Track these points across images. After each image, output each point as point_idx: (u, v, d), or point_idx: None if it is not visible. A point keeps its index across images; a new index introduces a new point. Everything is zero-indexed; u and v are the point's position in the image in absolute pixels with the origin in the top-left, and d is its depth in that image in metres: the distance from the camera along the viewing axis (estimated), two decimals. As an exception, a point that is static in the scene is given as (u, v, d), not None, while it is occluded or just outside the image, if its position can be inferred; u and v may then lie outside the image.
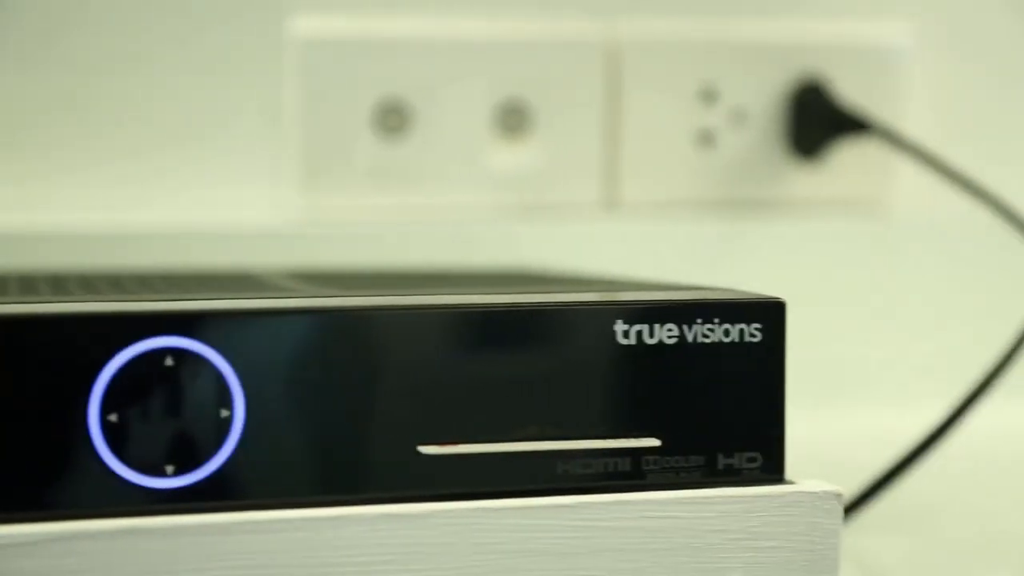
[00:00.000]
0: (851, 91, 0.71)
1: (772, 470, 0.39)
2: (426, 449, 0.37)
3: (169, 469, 0.35)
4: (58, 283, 0.48)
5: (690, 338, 0.38)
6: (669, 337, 0.38)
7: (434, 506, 0.36)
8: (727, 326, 0.38)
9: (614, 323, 0.38)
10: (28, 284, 0.48)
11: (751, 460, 0.38)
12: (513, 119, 0.69)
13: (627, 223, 0.70)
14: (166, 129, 0.68)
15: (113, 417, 0.35)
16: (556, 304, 0.38)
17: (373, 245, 0.67)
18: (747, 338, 0.38)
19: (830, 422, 0.68)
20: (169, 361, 0.35)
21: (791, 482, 0.39)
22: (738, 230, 0.71)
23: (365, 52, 0.67)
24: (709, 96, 0.71)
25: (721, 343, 0.38)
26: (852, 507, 0.51)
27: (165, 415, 0.35)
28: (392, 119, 0.68)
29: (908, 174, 0.72)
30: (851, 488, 0.51)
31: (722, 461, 0.38)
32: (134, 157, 0.68)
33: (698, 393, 0.38)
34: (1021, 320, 0.55)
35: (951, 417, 0.52)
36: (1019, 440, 0.68)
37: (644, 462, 0.38)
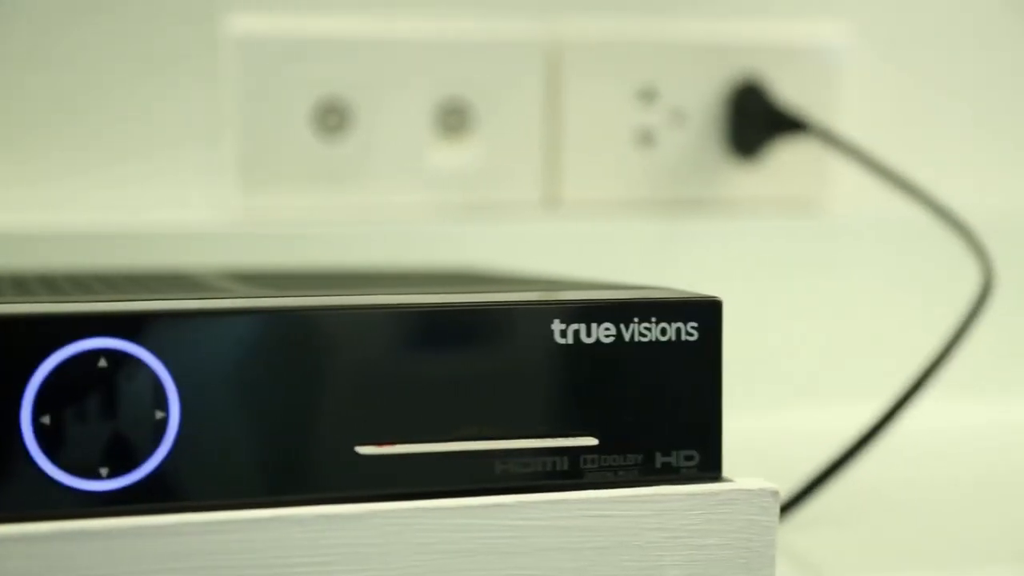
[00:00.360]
0: (788, 91, 0.72)
1: (709, 468, 0.39)
2: (364, 449, 0.36)
3: (103, 471, 0.35)
4: (-9, 284, 0.48)
5: (627, 337, 0.38)
6: (606, 336, 0.38)
7: (372, 506, 0.36)
8: (664, 325, 0.38)
9: (551, 322, 0.38)
10: (-40, 285, 0.47)
11: (688, 458, 0.38)
12: (453, 119, 0.69)
13: (567, 222, 0.70)
14: (101, 129, 0.68)
15: (46, 419, 0.34)
16: (493, 304, 0.38)
17: (312, 245, 0.67)
18: (684, 337, 0.38)
19: (768, 420, 0.68)
20: (102, 363, 0.35)
21: (728, 480, 0.39)
22: (677, 229, 0.71)
23: (303, 51, 0.67)
24: (648, 96, 0.71)
25: (658, 342, 0.38)
26: (790, 504, 0.52)
27: (99, 417, 0.35)
28: (331, 118, 0.68)
29: (845, 173, 0.73)
30: (788, 486, 0.52)
31: (660, 459, 0.38)
32: (68, 157, 0.68)
33: (635, 392, 0.38)
34: (956, 318, 0.56)
35: (887, 415, 0.52)
36: (954, 436, 0.69)
37: (582, 461, 0.38)
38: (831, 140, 0.69)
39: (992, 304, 0.56)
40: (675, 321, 0.38)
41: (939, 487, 0.61)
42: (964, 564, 0.51)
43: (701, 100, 0.71)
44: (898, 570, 0.50)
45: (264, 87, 0.67)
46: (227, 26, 0.67)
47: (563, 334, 0.38)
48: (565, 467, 0.38)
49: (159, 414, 0.35)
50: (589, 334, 0.38)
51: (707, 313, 0.39)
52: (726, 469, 0.39)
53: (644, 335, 0.38)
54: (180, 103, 0.68)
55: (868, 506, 0.56)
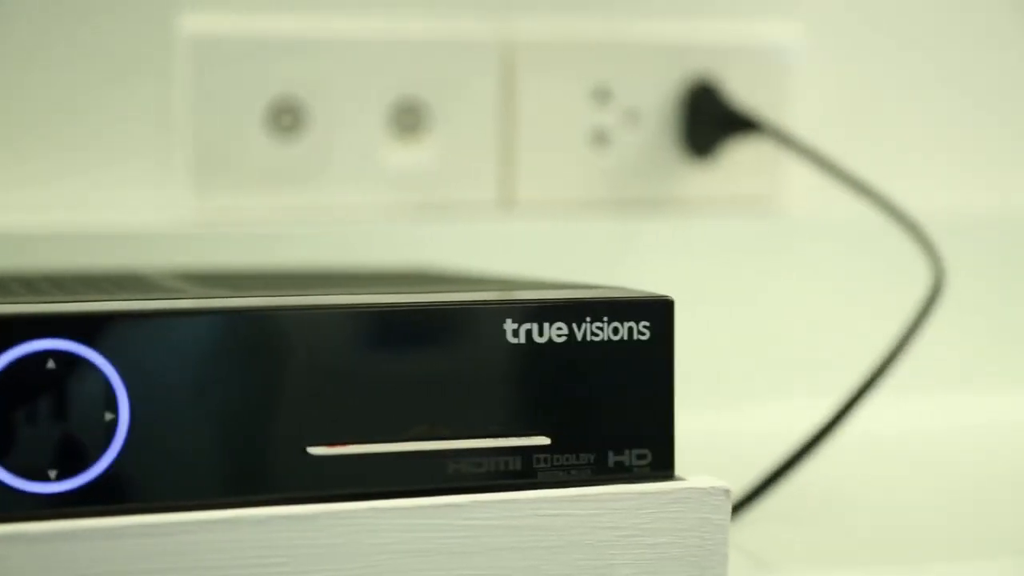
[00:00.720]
0: (742, 91, 0.72)
1: (662, 467, 0.39)
2: (316, 450, 0.36)
3: (52, 474, 0.35)
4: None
5: (579, 336, 0.38)
6: (558, 336, 0.38)
7: (326, 507, 0.36)
8: (616, 324, 0.38)
9: (504, 322, 0.38)
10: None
11: (641, 457, 0.39)
12: (408, 118, 0.69)
13: (522, 222, 0.70)
14: (53, 129, 0.67)
15: (-6, 421, 0.34)
16: (446, 303, 0.38)
17: (266, 246, 0.66)
18: (636, 336, 0.38)
19: (721, 419, 0.69)
20: (51, 364, 0.34)
21: (681, 479, 0.39)
22: (632, 229, 0.71)
23: (257, 50, 0.67)
24: (603, 96, 0.71)
25: (610, 341, 0.38)
26: (744, 502, 0.52)
27: (48, 419, 0.34)
28: (285, 118, 0.67)
29: (799, 173, 0.73)
30: (742, 484, 0.52)
31: (612, 459, 0.38)
32: (19, 157, 0.67)
33: (588, 391, 0.38)
34: (908, 317, 0.56)
35: (839, 413, 0.53)
36: (907, 434, 0.69)
37: (535, 460, 0.38)
38: (785, 140, 0.70)
39: (943, 302, 0.56)
40: (627, 320, 0.38)
41: (892, 485, 0.61)
42: (915, 560, 0.51)
43: (655, 100, 0.71)
44: (849, 567, 0.50)
45: (217, 87, 0.66)
46: (180, 25, 0.66)
47: (515, 334, 0.38)
48: (518, 467, 0.38)
49: (109, 415, 0.35)
50: (541, 334, 0.38)
51: (659, 312, 0.39)
52: (679, 468, 0.39)
53: (596, 335, 0.38)
54: (133, 103, 0.67)
55: (821, 504, 0.56)
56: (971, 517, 0.56)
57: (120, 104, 0.67)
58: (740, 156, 0.73)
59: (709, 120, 0.71)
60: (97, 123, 0.67)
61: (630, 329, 0.38)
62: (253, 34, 0.67)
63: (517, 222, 0.70)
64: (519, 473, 0.38)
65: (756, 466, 0.53)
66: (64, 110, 0.67)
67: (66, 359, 0.34)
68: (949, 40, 0.78)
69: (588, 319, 0.38)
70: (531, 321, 0.38)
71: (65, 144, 0.67)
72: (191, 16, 0.66)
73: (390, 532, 0.36)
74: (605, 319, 0.38)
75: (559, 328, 0.38)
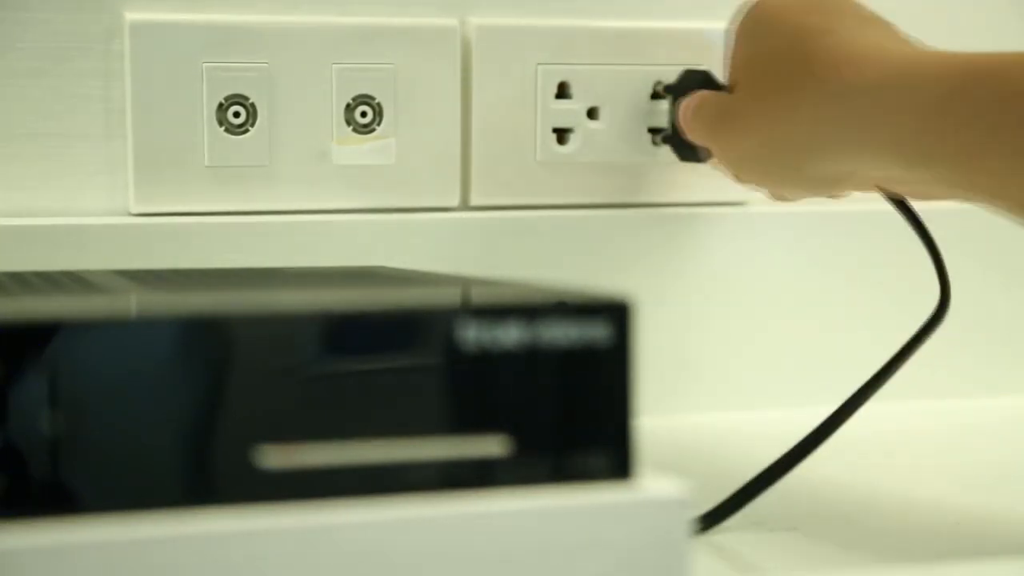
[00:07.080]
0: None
1: (622, 472, 0.38)
2: (266, 459, 0.35)
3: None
4: None
5: (537, 338, 0.37)
6: (517, 337, 0.37)
7: (276, 519, 0.34)
8: (575, 325, 0.37)
9: (460, 323, 0.36)
10: None
11: (600, 462, 0.37)
12: (363, 116, 0.67)
13: (481, 221, 0.69)
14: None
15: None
16: (400, 305, 0.37)
17: (214, 245, 0.64)
18: (595, 337, 0.37)
19: (688, 423, 0.67)
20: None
21: (641, 485, 0.38)
22: (596, 227, 0.69)
23: (209, 45, 0.65)
24: (565, 94, 0.69)
25: (570, 343, 0.37)
26: (728, 508, 0.51)
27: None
28: (237, 115, 0.65)
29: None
30: (717, 490, 0.51)
31: (571, 464, 0.37)
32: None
33: (546, 394, 0.37)
34: (867, 313, 0.55)
35: (831, 420, 0.51)
36: (882, 437, 0.67)
37: (492, 466, 0.36)
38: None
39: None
40: (587, 321, 0.37)
41: (874, 488, 0.60)
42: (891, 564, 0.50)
43: (618, 98, 0.69)
44: (831, 568, 0.49)
45: (167, 82, 0.65)
46: (128, 19, 0.64)
47: (473, 335, 0.36)
48: (474, 473, 0.36)
49: (45, 424, 0.33)
50: (499, 335, 0.36)
51: (619, 313, 0.37)
52: (639, 472, 0.38)
53: (555, 335, 0.37)
54: (78, 98, 0.65)
55: (803, 509, 0.55)
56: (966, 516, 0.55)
57: (67, 99, 0.65)
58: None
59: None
60: (42, 118, 0.65)
61: (590, 330, 0.37)
62: (204, 28, 0.65)
63: (476, 221, 0.69)
64: (475, 480, 0.36)
65: (727, 471, 0.51)
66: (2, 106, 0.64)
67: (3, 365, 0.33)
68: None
69: (547, 320, 0.37)
70: (489, 322, 0.36)
71: (5, 140, 0.64)
72: (140, 10, 0.64)
73: (342, 543, 0.35)
74: (565, 320, 0.37)
75: (517, 329, 0.37)
